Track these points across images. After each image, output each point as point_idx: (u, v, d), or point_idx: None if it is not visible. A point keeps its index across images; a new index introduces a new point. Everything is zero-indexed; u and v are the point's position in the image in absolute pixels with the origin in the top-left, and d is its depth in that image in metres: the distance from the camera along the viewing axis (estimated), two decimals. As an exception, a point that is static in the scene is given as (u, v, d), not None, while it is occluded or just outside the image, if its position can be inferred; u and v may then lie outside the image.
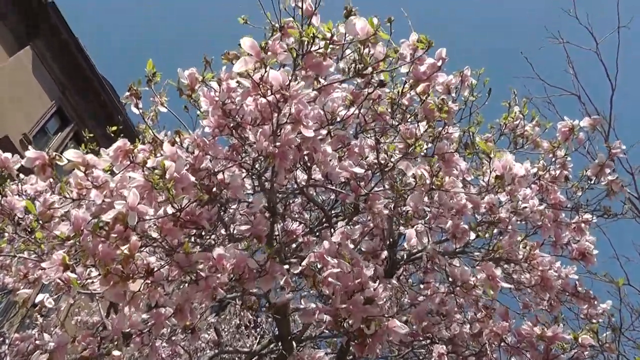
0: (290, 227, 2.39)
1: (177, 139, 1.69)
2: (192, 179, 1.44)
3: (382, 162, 2.02)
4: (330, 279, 1.43)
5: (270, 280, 1.49)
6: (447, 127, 2.10)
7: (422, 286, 2.26)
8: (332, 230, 2.00)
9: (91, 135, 2.50)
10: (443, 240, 2.22)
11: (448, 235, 2.02)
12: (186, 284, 1.53)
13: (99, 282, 1.38)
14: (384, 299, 1.61)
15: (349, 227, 1.78)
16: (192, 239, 1.76)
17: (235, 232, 1.83)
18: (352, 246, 1.70)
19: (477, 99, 2.48)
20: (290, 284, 1.57)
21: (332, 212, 2.75)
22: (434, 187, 1.69)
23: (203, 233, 1.71)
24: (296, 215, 2.83)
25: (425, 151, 1.96)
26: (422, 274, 2.23)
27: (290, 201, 2.86)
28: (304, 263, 1.52)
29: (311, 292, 2.63)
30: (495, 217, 2.14)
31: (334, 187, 1.91)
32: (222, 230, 2.04)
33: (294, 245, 2.79)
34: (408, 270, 2.77)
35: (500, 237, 2.15)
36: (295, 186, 2.11)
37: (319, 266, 1.49)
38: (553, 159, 2.36)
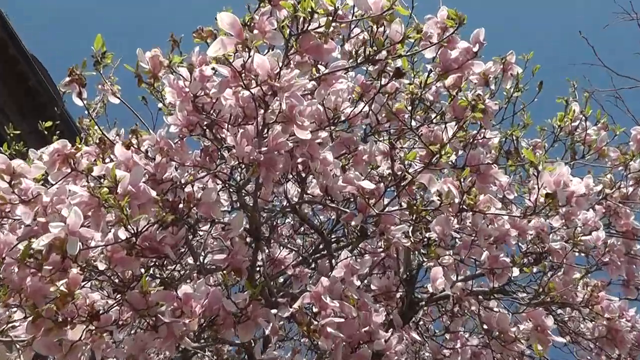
0: (278, 255, 2.41)
1: (134, 140, 1.70)
2: (153, 193, 1.46)
3: (398, 173, 2.04)
4: (329, 329, 1.44)
5: (252, 328, 1.50)
6: (483, 130, 2.13)
7: (447, 336, 2.27)
8: (333, 261, 2.02)
9: (17, 132, 2.52)
10: (476, 276, 2.24)
11: (483, 271, 2.04)
12: (142, 331, 1.54)
13: (26, 328, 1.38)
14: (399, 354, 1.63)
15: (354, 258, 1.79)
16: (152, 272, 1.78)
17: (207, 262, 1.85)
18: (358, 283, 1.70)
19: (523, 94, 2.53)
20: (278, 332, 1.58)
21: (333, 237, 2.77)
22: (465, 207, 1.71)
23: (166, 264, 1.72)
24: (286, 241, 2.86)
25: (454, 161, 1.98)
26: (448, 321, 2.24)
27: (279, 222, 2.89)
28: (295, 305, 1.53)
29: (303, 341, 2.64)
30: (545, 247, 2.16)
31: (335, 205, 1.93)
32: (191, 260, 2.06)
33: (281, 279, 2.84)
34: (430, 315, 2.78)
35: (553, 274, 2.17)
36: (286, 203, 2.13)
37: (314, 309, 1.51)
38: (624, 173, 2.37)
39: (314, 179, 2.03)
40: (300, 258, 2.54)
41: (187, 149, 1.77)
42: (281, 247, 2.45)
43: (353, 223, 1.84)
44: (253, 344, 1.66)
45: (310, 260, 2.41)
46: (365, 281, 2.07)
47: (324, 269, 2.36)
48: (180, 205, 1.67)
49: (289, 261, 2.41)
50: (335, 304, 1.50)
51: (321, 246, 2.76)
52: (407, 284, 2.20)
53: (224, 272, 1.70)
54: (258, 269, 1.98)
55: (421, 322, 2.74)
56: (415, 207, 1.74)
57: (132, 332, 1.98)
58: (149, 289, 1.43)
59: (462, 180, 1.69)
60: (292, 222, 2.99)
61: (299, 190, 2.10)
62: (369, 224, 1.92)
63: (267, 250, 2.35)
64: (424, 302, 2.23)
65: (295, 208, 2.14)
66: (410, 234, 1.83)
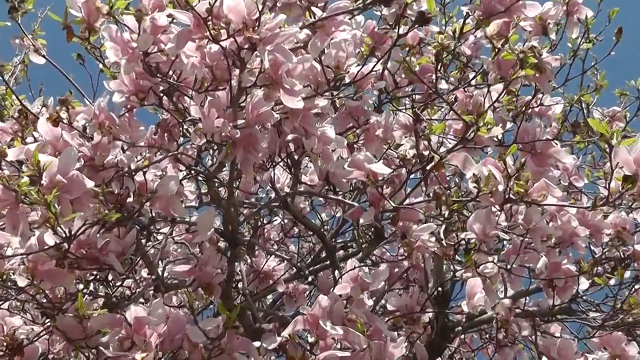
0: (263, 266, 2.41)
1: (64, 114, 1.69)
2: (90, 184, 1.45)
3: (424, 153, 2.01)
4: None
5: None
6: (540, 94, 2.11)
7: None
8: (337, 273, 2.02)
9: None
10: (532, 292, 2.22)
11: (540, 283, 2.02)
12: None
13: None
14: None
15: (365, 269, 1.76)
16: (91, 289, 1.77)
17: (167, 276, 1.85)
18: (370, 303, 1.70)
19: (595, 46, 2.50)
20: None
21: (338, 241, 2.78)
22: (513, 196, 1.69)
23: (110, 278, 1.71)
24: (275, 247, 2.86)
25: (499, 136, 1.96)
26: (493, 350, 2.23)
27: (265, 222, 2.90)
28: (285, 333, 1.53)
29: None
30: (627, 251, 2.14)
31: (339, 197, 1.89)
32: (145, 273, 2.07)
33: (270, 298, 2.86)
34: (469, 345, 2.79)
35: (636, 287, 2.15)
36: (273, 195, 2.13)
37: (310, 339, 1.51)
38: None
39: (311, 162, 2.02)
40: (295, 270, 2.55)
41: (137, 124, 1.76)
42: (268, 256, 2.45)
43: (363, 221, 1.81)
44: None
45: (308, 273, 2.40)
46: (382, 301, 2.06)
47: (326, 284, 2.36)
48: (129, 200, 1.67)
49: (279, 274, 2.39)
50: (338, 332, 1.48)
51: (322, 254, 2.78)
52: (438, 303, 2.19)
53: (189, 289, 1.68)
54: (236, 284, 1.98)
55: (457, 357, 2.74)
56: (445, 198, 1.72)
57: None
58: (87, 311, 1.42)
59: (506, 161, 1.67)
60: (282, 222, 2.99)
61: (291, 178, 2.09)
62: (385, 223, 1.91)
63: (248, 260, 2.35)
64: (460, 328, 2.21)
65: (287, 202, 2.13)
66: (441, 235, 1.81)
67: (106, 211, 1.53)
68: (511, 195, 1.68)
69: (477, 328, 2.46)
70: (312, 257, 2.89)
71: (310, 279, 2.43)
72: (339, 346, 1.53)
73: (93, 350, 1.51)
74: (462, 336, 2.59)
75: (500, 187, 1.67)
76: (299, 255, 3.05)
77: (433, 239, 1.83)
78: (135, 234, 1.69)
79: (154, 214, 1.81)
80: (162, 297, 1.57)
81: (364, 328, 1.53)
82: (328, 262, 2.34)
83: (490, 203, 1.71)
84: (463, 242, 1.87)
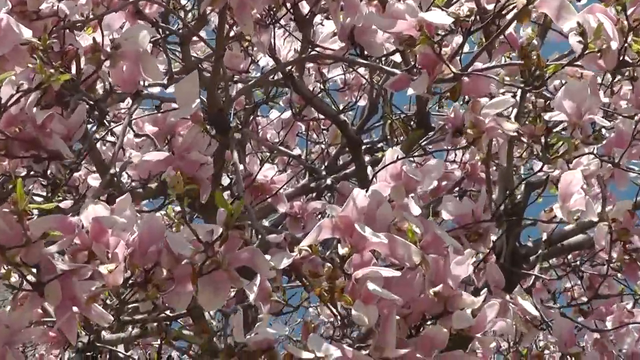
0: (257, 173, 2.41)
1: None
2: (27, 33, 1.50)
3: (487, 7, 2.01)
4: (371, 286, 1.42)
5: (225, 286, 1.49)
6: None
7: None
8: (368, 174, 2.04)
9: None
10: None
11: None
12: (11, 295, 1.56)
13: None
14: (496, 339, 1.64)
15: (410, 163, 1.77)
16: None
17: (134, 164, 1.85)
18: (417, 210, 1.69)
19: None
20: (271, 294, 1.61)
21: (364, 137, 2.75)
22: (627, 60, 1.67)
23: (54, 170, 1.71)
24: (276, 142, 2.84)
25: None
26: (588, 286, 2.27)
27: (260, 110, 2.90)
28: (303, 244, 1.52)
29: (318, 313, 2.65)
30: None
31: (371, 62, 1.92)
32: (92, 179, 2.10)
33: (265, 223, 2.86)
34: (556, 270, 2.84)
35: None
36: (270, 64, 2.09)
37: (341, 250, 1.49)
38: None
39: (327, 19, 2.05)
40: (300, 183, 2.55)
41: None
42: (263, 158, 2.47)
43: (413, 90, 1.78)
44: (223, 318, 1.66)
45: (325, 175, 2.38)
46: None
47: (349, 190, 2.35)
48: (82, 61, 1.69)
49: (279, 181, 2.40)
50: (382, 239, 1.46)
51: (339, 160, 2.77)
52: (511, 213, 2.20)
53: (167, 183, 1.63)
54: (229, 184, 1.98)
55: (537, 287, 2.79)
56: (538, 57, 1.69)
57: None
58: (27, 206, 1.40)
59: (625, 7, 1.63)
60: (285, 108, 3.03)
61: (300, 40, 2.10)
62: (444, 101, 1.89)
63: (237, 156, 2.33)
64: (542, 249, 2.22)
65: (292, 76, 2.12)
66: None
67: (49, 72, 1.50)
68: (627, 58, 1.66)
69: (564, 257, 2.49)
70: (325, 163, 2.88)
71: (329, 182, 2.40)
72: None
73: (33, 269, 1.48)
74: (545, 263, 2.62)
75: (614, 45, 1.64)
76: (308, 157, 3.05)
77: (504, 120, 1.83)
78: (84, 110, 1.70)
79: (112, 85, 1.82)
80: (128, 195, 1.53)
81: (415, 238, 1.52)
82: (351, 161, 2.32)
83: (599, 67, 1.68)
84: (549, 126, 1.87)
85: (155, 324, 2.22)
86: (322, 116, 3.00)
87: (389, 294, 1.42)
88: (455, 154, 2.88)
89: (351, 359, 1.44)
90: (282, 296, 1.70)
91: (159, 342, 2.50)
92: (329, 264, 1.51)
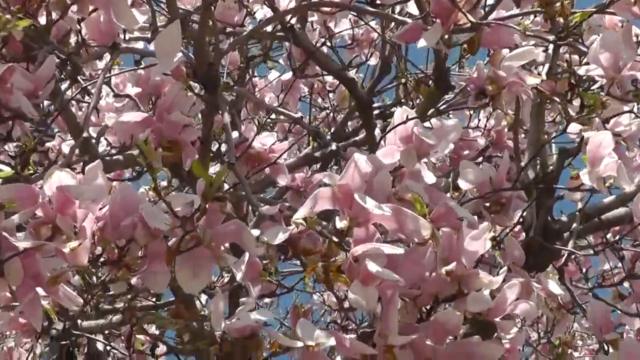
0: (253, 139, 2.40)
1: None
2: None
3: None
4: (371, 266, 1.41)
5: (207, 265, 1.49)
6: None
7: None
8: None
9: None
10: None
11: None
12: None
13: None
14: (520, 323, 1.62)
15: (422, 124, 1.74)
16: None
17: (105, 127, 1.89)
18: (432, 177, 1.69)
19: None
20: (262, 273, 1.62)
21: (375, 99, 2.73)
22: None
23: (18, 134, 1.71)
24: (274, 104, 2.83)
25: None
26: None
27: (254, 66, 2.88)
28: (297, 216, 1.50)
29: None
30: None
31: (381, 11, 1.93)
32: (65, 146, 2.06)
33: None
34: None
35: None
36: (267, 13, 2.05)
37: (339, 223, 1.47)
38: None
39: None
40: (302, 153, 2.56)
41: None
42: (261, 123, 2.44)
43: (425, 42, 1.77)
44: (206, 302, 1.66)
45: (329, 140, 2.36)
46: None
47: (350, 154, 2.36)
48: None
49: (278, 148, 2.39)
50: (385, 211, 1.45)
51: (348, 128, 2.76)
52: (541, 180, 2.20)
53: (144, 145, 1.64)
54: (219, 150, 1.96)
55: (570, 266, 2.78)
56: (562, 4, 1.68)
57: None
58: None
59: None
60: (285, 69, 3.06)
61: None
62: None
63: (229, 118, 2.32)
64: (577, 224, 2.22)
65: (292, 28, 2.10)
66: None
67: (5, 18, 1.49)
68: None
69: (603, 235, 2.50)
70: (331, 130, 2.88)
71: (334, 147, 2.38)
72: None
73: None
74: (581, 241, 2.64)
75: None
76: (311, 122, 3.05)
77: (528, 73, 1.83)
78: (53, 62, 1.68)
79: (82, 36, 1.83)
80: (100, 161, 1.52)
81: (424, 209, 1.52)
82: (361, 126, 2.31)
83: (633, 14, 1.68)
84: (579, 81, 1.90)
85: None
86: (328, 78, 3.02)
87: (390, 274, 1.41)
88: (479, 120, 2.88)
89: (349, 348, 1.44)
90: (275, 276, 1.71)
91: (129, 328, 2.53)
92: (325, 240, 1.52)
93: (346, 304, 1.51)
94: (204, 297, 2.76)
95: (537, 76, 1.78)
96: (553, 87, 1.79)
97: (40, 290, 1.48)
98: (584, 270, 2.95)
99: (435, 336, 1.49)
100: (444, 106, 2.56)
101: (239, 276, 1.52)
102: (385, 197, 1.55)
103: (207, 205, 1.44)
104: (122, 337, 3.10)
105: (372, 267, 1.40)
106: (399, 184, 1.65)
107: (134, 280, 1.59)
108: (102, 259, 1.50)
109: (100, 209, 1.50)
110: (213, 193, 1.43)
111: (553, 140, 2.72)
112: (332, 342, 1.34)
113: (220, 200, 1.46)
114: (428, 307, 1.56)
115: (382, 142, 1.75)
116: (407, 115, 1.70)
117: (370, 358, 1.47)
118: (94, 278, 1.75)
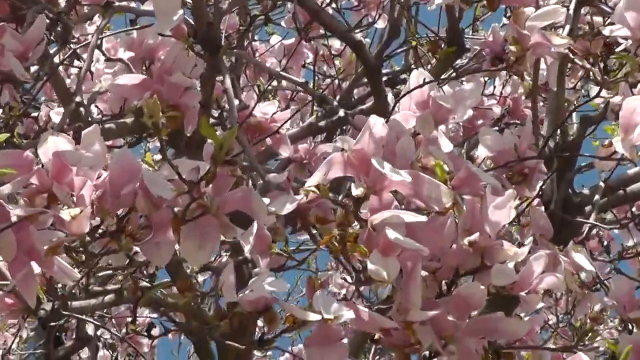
0: (254, 108, 2.39)
1: None
2: None
3: None
4: (391, 233, 1.41)
5: (214, 235, 1.49)
6: None
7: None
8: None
9: None
10: None
11: None
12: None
13: None
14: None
15: (439, 88, 1.75)
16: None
17: (99, 91, 1.90)
18: (449, 145, 1.71)
19: None
20: (270, 245, 1.60)
21: (385, 59, 2.73)
22: None
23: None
24: (278, 69, 2.84)
25: None
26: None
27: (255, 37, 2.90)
28: (309, 184, 1.51)
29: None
30: None
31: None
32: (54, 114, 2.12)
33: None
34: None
35: None
36: None
37: (355, 190, 1.47)
38: None
39: None
40: (306, 123, 2.61)
41: None
42: (262, 91, 2.50)
43: (438, 1, 1.78)
44: (213, 274, 1.65)
45: (336, 106, 2.36)
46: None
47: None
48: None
49: (280, 118, 2.39)
50: (404, 177, 1.44)
51: (354, 95, 2.75)
52: (561, 150, 2.19)
53: (149, 104, 1.63)
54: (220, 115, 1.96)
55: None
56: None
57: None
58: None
59: None
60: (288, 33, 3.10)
61: None
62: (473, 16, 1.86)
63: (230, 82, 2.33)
64: (600, 197, 2.22)
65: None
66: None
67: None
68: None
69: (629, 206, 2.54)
70: (338, 97, 2.88)
71: (341, 114, 2.38)
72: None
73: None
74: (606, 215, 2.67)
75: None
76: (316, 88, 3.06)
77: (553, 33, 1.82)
78: (43, 23, 1.69)
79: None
80: (97, 125, 1.54)
81: (445, 176, 1.51)
82: (370, 93, 2.30)
83: None
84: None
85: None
86: (334, 43, 3.02)
87: (412, 243, 1.41)
88: (494, 87, 2.88)
89: (367, 322, 1.45)
90: (285, 247, 1.72)
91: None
92: (341, 208, 1.51)
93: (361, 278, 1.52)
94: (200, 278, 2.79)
95: (564, 37, 1.76)
96: (587, 48, 1.78)
97: (34, 265, 1.48)
98: (605, 243, 2.97)
99: (457, 311, 1.49)
100: (455, 73, 2.58)
101: (247, 249, 1.53)
102: (408, 164, 1.55)
103: (216, 169, 1.44)
104: (114, 320, 3.14)
105: (393, 235, 1.40)
106: (418, 151, 1.65)
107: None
108: (100, 230, 1.49)
109: (98, 177, 1.49)
110: (223, 156, 1.42)
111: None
112: (350, 315, 1.35)
113: (230, 163, 1.45)
114: (448, 281, 1.57)
115: (395, 108, 1.75)
116: (425, 78, 1.70)
117: (384, 333, 1.49)
118: (83, 256, 1.74)
